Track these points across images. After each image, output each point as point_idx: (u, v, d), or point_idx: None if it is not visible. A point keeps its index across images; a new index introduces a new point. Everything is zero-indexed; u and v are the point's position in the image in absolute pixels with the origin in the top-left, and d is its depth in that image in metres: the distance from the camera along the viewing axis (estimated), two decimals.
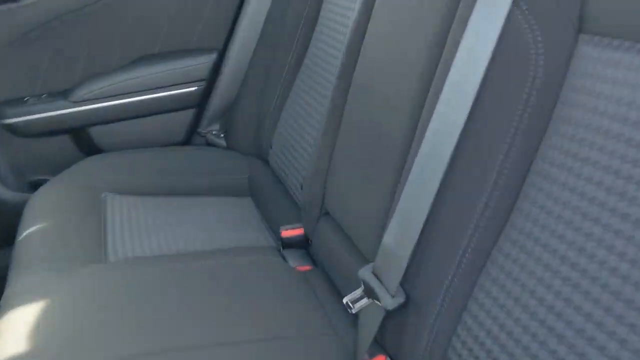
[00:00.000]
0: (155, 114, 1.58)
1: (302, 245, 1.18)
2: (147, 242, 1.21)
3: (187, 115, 1.62)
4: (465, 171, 0.75)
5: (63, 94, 1.53)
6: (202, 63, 1.57)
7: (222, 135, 1.62)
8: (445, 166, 0.75)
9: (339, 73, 1.06)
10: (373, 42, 0.97)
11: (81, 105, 1.52)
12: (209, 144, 1.63)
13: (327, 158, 1.08)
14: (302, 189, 1.24)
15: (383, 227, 0.88)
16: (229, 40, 1.58)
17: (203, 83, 1.58)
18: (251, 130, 1.53)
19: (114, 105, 1.54)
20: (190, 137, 1.65)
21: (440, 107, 0.77)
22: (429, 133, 0.78)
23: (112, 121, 1.56)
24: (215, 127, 1.63)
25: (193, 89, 1.58)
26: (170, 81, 1.56)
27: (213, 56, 1.58)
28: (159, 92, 1.56)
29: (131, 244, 1.20)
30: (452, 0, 0.80)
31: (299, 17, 1.39)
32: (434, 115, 0.78)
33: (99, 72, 1.54)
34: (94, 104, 1.53)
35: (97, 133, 1.57)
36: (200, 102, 1.61)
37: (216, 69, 1.59)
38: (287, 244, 1.18)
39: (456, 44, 0.77)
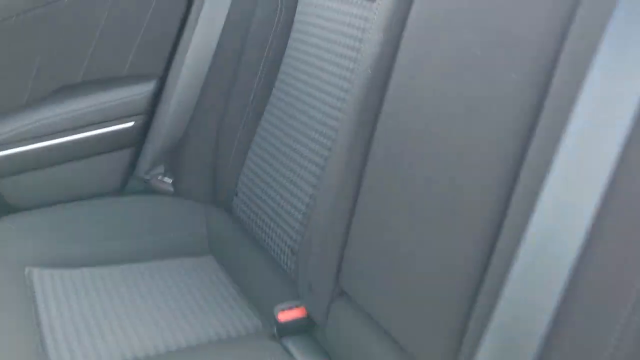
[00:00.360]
0: (82, 158, 1.28)
1: (304, 328, 0.95)
2: (101, 340, 0.93)
3: (122, 157, 1.32)
4: (603, 266, 0.54)
5: None
6: (139, 93, 1.28)
7: (167, 179, 1.33)
8: (574, 258, 0.55)
9: (359, 106, 0.82)
10: (418, 71, 0.74)
11: None
12: (153, 191, 1.34)
13: (344, 219, 0.84)
14: (292, 253, 1.01)
15: (459, 333, 0.66)
16: (170, 64, 1.30)
17: (141, 117, 1.29)
18: (207, 172, 1.26)
19: (28, 151, 1.22)
20: (126, 183, 1.35)
21: (558, 175, 0.56)
22: (543, 205, 0.56)
23: (27, 171, 1.24)
24: (159, 170, 1.35)
25: (129, 125, 1.28)
26: (99, 117, 1.25)
27: (152, 84, 1.29)
28: (85, 132, 1.25)
29: (79, 344, 0.92)
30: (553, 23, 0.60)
31: (266, 30, 1.15)
32: (550, 183, 0.56)
33: (6, 110, 1.21)
34: (0, 150, 1.21)
35: (8, 187, 1.24)
36: (138, 140, 1.32)
37: (156, 100, 1.30)
38: (285, 329, 0.94)
39: (569, 87, 0.56)
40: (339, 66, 0.95)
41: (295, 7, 1.13)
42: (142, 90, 1.28)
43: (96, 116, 1.25)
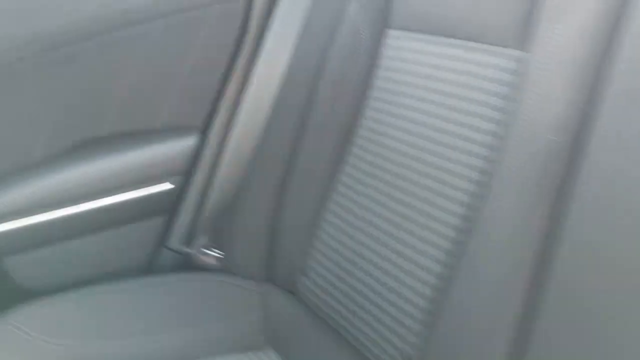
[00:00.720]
0: (106, 229, 1.05)
1: None
2: None
3: (154, 225, 1.09)
4: None
5: None
6: (177, 150, 1.06)
7: (212, 252, 1.10)
8: None
9: (534, 182, 0.62)
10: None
11: None
12: (192, 266, 1.11)
13: (515, 323, 0.64)
14: None
15: None
16: (214, 114, 1.09)
17: (179, 179, 1.07)
18: (264, 244, 1.04)
19: (41, 223, 0.99)
20: (157, 257, 1.12)
21: None
22: None
23: (39, 247, 1.00)
24: (202, 240, 1.12)
25: (165, 188, 1.06)
26: (129, 179, 1.03)
27: (192, 139, 1.07)
28: (111, 197, 1.02)
29: None
30: None
31: (343, 73, 0.95)
32: None
33: (14, 170, 0.98)
34: (7, 222, 0.97)
35: (18, 266, 1.00)
36: (174, 206, 1.10)
37: (197, 157, 1.08)
38: None
39: None
40: (470, 128, 0.76)
41: (379, 48, 0.94)
42: (181, 146, 1.06)
43: (125, 178, 1.03)
